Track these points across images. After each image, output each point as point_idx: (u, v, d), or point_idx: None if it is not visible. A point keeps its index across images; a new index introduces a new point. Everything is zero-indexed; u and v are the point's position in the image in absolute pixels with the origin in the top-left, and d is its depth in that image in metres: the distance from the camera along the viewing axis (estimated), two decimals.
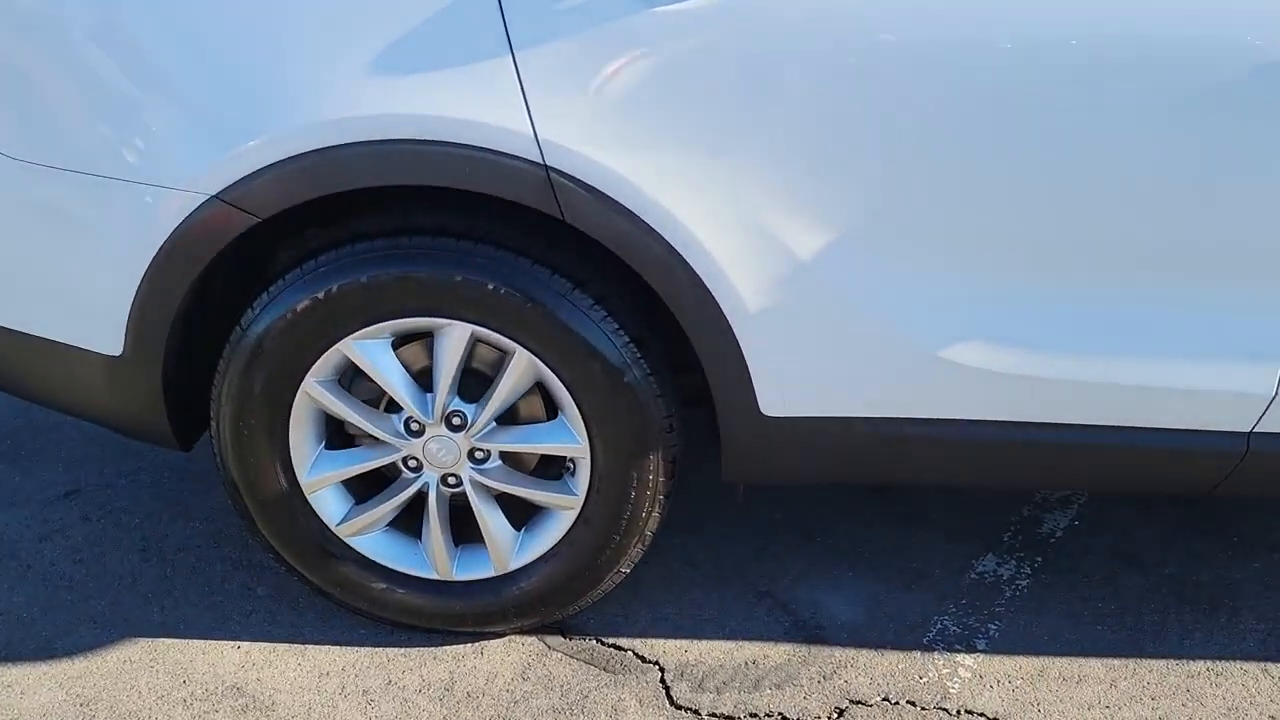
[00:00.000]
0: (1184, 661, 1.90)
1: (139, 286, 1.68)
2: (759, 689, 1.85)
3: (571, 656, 1.92)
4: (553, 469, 1.88)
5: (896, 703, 1.82)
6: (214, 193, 1.59)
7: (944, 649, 1.93)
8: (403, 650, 1.94)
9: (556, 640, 1.96)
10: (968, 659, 1.91)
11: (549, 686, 1.86)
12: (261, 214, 1.60)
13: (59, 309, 1.78)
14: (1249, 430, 1.68)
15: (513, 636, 1.96)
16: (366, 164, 1.56)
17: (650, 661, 1.91)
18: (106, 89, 1.61)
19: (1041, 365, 1.65)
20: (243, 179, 1.58)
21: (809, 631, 1.97)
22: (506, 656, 1.92)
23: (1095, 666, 1.89)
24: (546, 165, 1.54)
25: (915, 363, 1.66)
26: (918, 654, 1.92)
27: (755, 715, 1.80)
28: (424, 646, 1.95)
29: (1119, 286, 1.62)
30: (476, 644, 1.95)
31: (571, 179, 1.54)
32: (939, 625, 1.99)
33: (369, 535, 1.90)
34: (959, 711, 1.80)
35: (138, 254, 1.66)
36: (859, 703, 1.82)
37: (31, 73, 1.64)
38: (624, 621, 1.99)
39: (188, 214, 1.61)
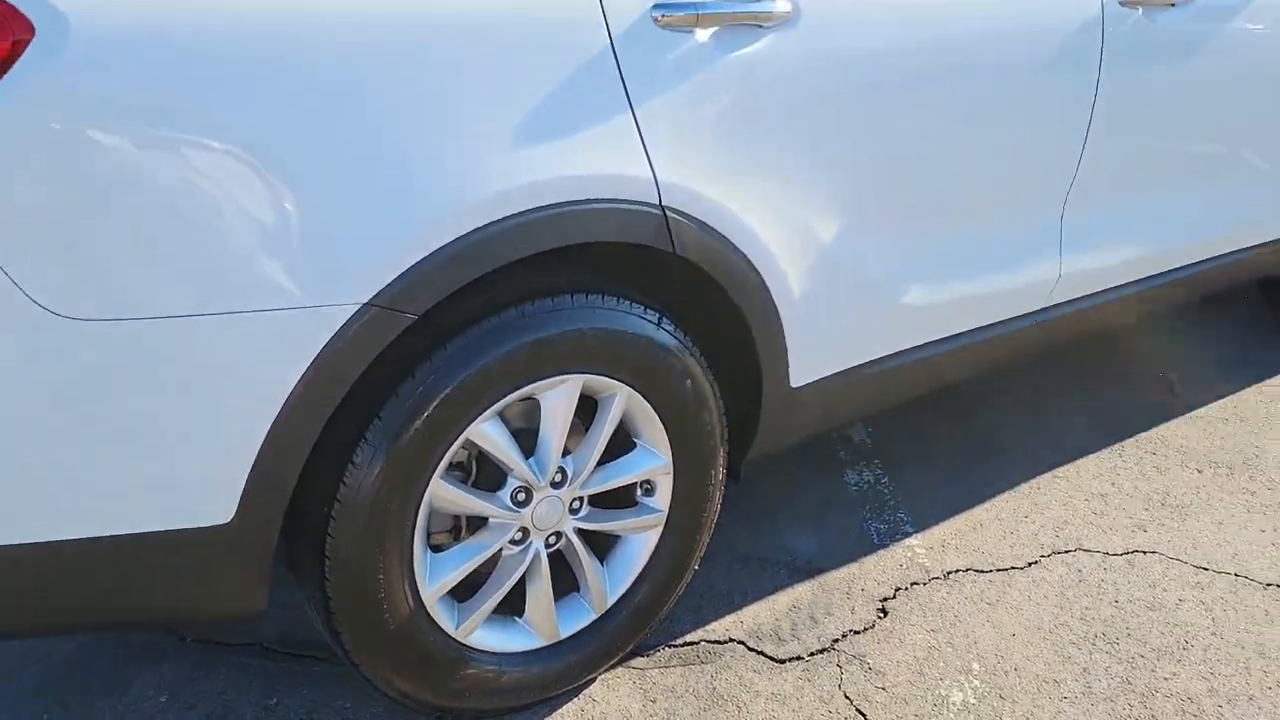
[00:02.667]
0: (1031, 480, 2.61)
1: (270, 430, 1.46)
2: (819, 621, 2.16)
3: (667, 667, 2.04)
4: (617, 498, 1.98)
5: (906, 588, 2.26)
6: (367, 299, 1.47)
7: (893, 541, 2.41)
8: None
9: (640, 661, 2.05)
10: (913, 541, 2.41)
11: (680, 695, 1.97)
12: (419, 311, 1.51)
13: (144, 492, 1.44)
14: (1046, 305, 2.42)
15: (601, 680, 2.01)
16: (518, 236, 1.56)
17: (725, 641, 2.11)
18: (221, 208, 1.38)
19: (955, 292, 2.21)
20: (399, 277, 1.48)
21: (805, 569, 2.31)
22: (615, 694, 1.98)
23: (988, 511, 2.51)
24: (664, 206, 1.69)
25: (892, 307, 2.11)
26: (883, 551, 2.37)
27: (837, 639, 2.11)
28: None
29: (987, 229, 2.23)
30: (576, 702, 1.96)
31: (683, 214, 1.72)
32: (872, 528, 2.46)
33: (479, 629, 1.82)
34: (947, 574, 2.30)
35: (270, 392, 1.45)
36: (887, 599, 2.23)
37: (106, 207, 1.33)
38: (671, 624, 2.14)
39: (336, 330, 1.46)
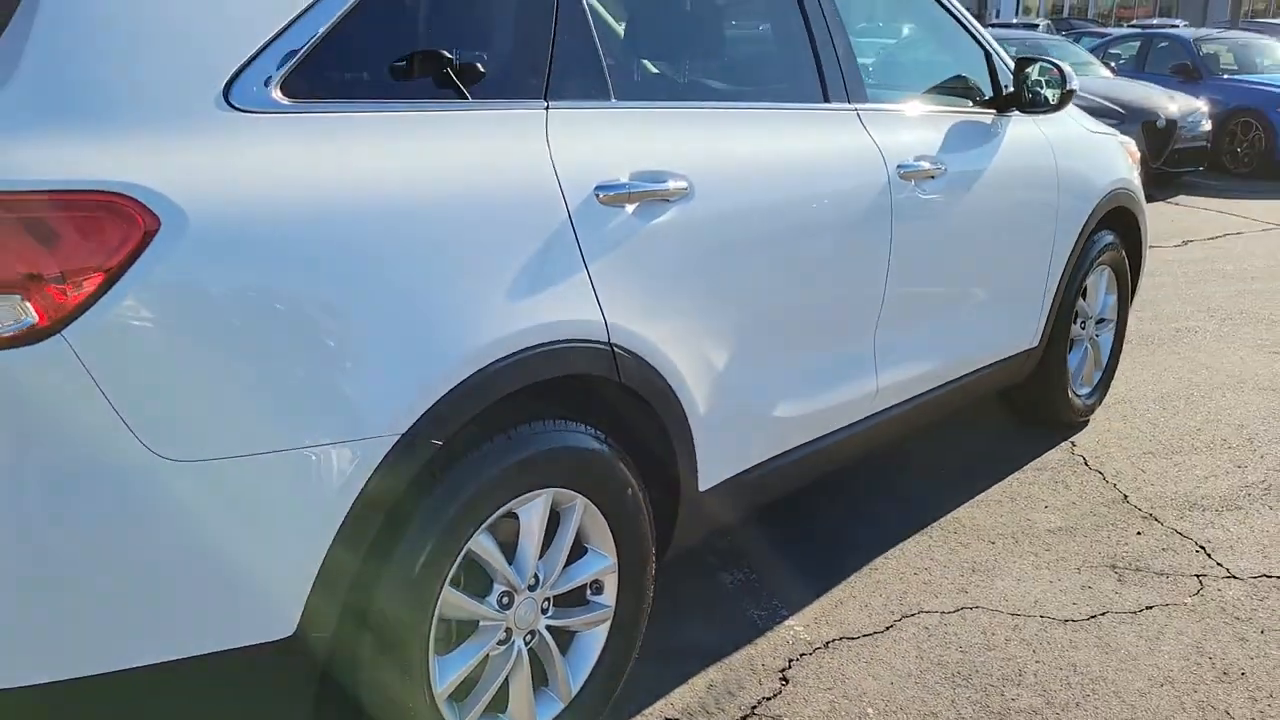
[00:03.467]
0: (869, 563, 3.09)
1: (329, 548, 1.70)
2: (735, 694, 2.51)
3: None
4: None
5: (797, 658, 2.66)
6: (402, 432, 1.76)
7: (775, 624, 2.81)
8: None
9: None
10: (791, 621, 2.82)
11: None
12: (443, 438, 1.82)
13: (205, 614, 1.63)
14: (872, 412, 2.97)
15: None
16: (513, 372, 1.91)
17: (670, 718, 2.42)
18: (301, 372, 1.65)
19: (810, 405, 2.71)
20: (426, 412, 1.79)
21: (709, 655, 2.66)
22: None
23: (843, 590, 2.96)
24: (611, 343, 2.09)
25: (767, 420, 2.57)
26: (769, 633, 2.77)
27: (755, 705, 2.47)
28: None
29: (825, 354, 2.76)
30: None
31: (625, 349, 2.12)
32: (756, 615, 2.85)
33: None
34: (826, 644, 2.72)
35: (330, 514, 1.71)
36: (784, 669, 2.61)
37: (201, 372, 1.57)
38: (614, 712, 2.42)
39: (382, 457, 1.74)
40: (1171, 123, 10.48)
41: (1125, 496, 3.64)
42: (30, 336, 1.43)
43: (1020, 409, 4.20)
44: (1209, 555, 3.25)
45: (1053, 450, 4.03)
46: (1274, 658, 2.72)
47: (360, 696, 1.86)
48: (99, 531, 1.52)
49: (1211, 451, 4.04)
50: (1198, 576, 3.12)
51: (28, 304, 1.43)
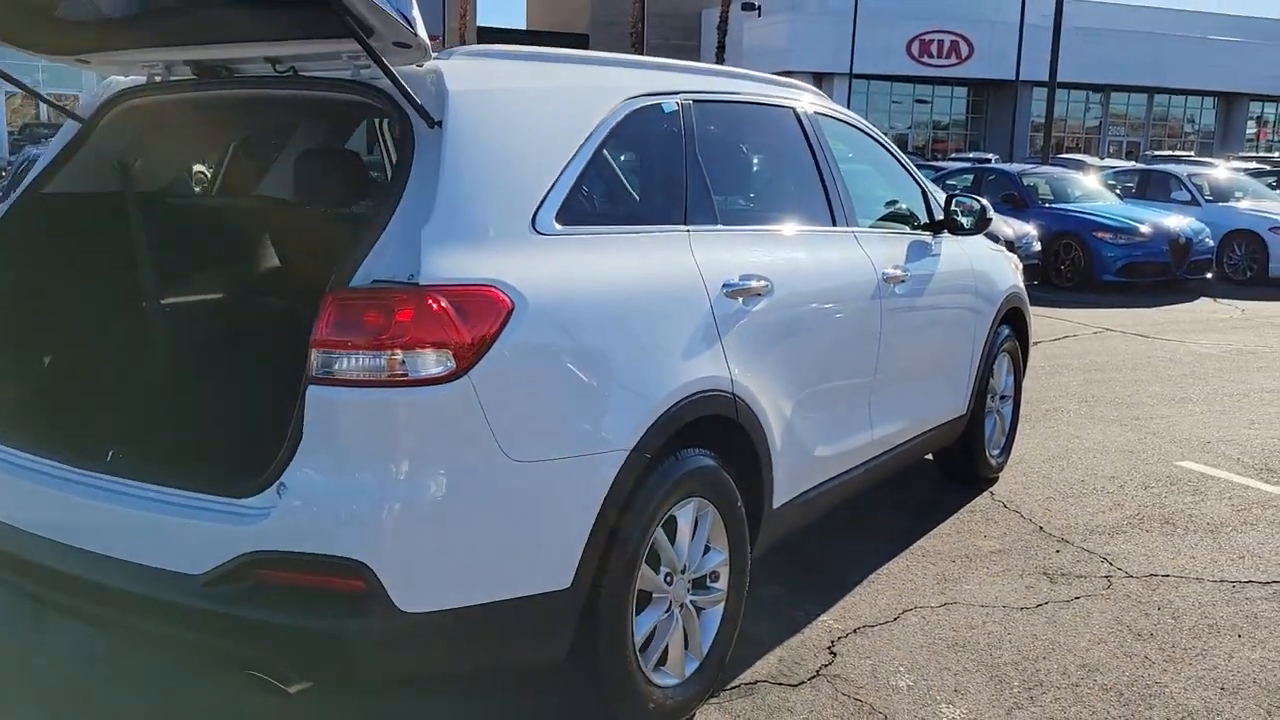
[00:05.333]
0: (869, 575, 3.98)
1: (593, 524, 2.50)
2: (800, 664, 3.34)
3: (732, 701, 3.11)
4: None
5: (838, 639, 3.51)
6: (631, 447, 2.59)
7: (813, 620, 3.66)
8: None
9: (714, 700, 3.10)
10: (825, 617, 3.68)
11: (751, 714, 3.04)
12: (651, 453, 2.64)
13: (525, 567, 2.40)
14: (870, 457, 3.91)
15: (699, 712, 3.03)
16: (688, 410, 2.77)
17: (755, 683, 3.22)
18: (579, 403, 2.48)
19: (835, 448, 3.62)
20: (644, 434, 2.62)
21: (770, 642, 3.49)
22: (711, 719, 3.01)
23: (856, 595, 3.84)
24: (734, 394, 2.97)
25: (812, 457, 3.47)
26: (811, 626, 3.62)
27: (819, 669, 3.30)
28: None
29: (842, 409, 3.69)
30: None
31: (739, 398, 3.00)
32: (795, 614, 3.70)
33: (652, 671, 2.82)
34: (855, 630, 3.58)
35: (594, 500, 2.51)
36: (830, 646, 3.46)
37: (529, 402, 2.38)
38: (723, 676, 3.20)
39: (621, 465, 2.56)
40: (1009, 244, 12.12)
41: (1040, 528, 4.67)
42: (449, 377, 2.23)
43: (949, 469, 5.22)
44: (1111, 564, 4.28)
45: (978, 498, 5.05)
46: (1169, 624, 3.73)
47: (596, 643, 2.62)
48: (476, 505, 2.30)
49: (1096, 495, 5.15)
50: (1106, 577, 4.14)
51: (450, 355, 2.23)
